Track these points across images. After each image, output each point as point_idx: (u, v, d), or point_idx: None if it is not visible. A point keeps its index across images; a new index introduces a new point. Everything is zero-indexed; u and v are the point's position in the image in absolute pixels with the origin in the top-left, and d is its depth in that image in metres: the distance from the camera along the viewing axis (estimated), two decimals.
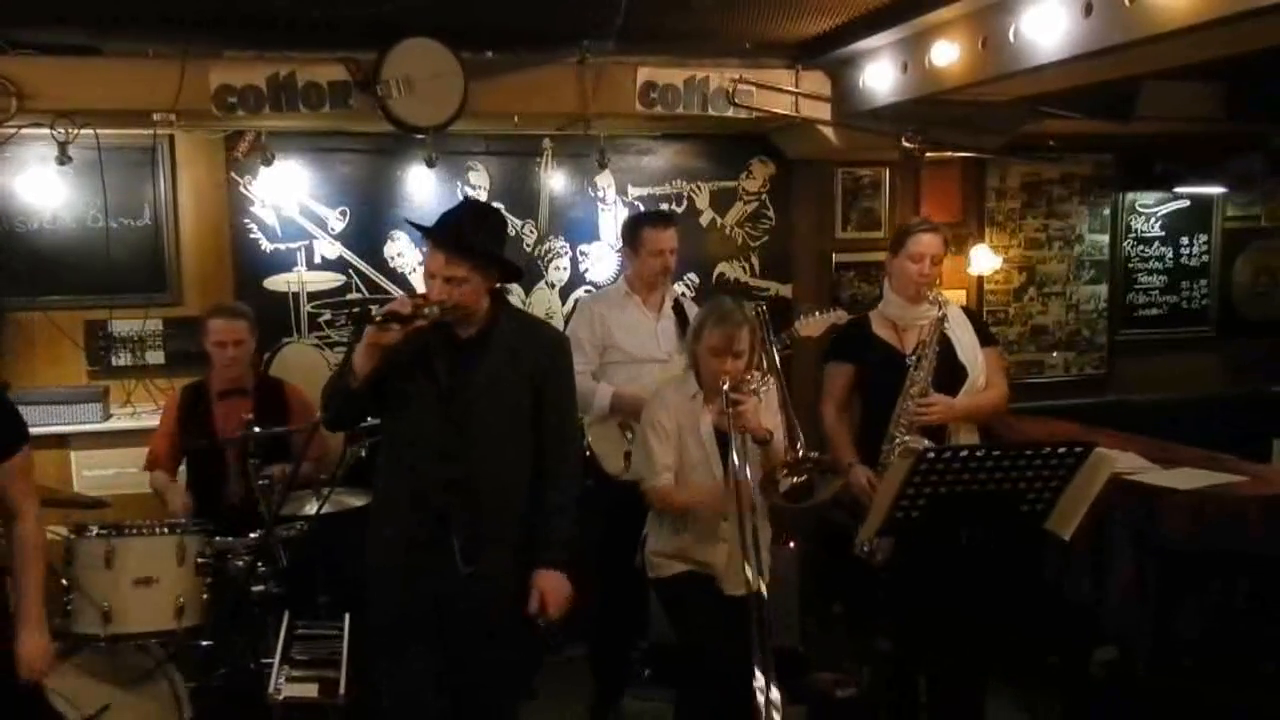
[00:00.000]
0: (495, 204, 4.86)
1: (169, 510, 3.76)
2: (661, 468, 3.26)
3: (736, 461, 3.00)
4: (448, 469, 2.85)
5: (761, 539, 3.22)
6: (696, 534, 3.27)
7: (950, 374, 3.51)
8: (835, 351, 3.79)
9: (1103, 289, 5.85)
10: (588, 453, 4.16)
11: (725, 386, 3.08)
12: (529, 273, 4.94)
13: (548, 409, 2.97)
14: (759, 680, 2.69)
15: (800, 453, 3.20)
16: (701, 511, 3.24)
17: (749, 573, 2.86)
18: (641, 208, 4.91)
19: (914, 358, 3.48)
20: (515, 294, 4.94)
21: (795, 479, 3.15)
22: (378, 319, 2.72)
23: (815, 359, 4.05)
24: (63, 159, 4.08)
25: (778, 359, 3.59)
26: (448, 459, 2.85)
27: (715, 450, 3.23)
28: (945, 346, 3.53)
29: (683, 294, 4.56)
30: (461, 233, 2.85)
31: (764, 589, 2.85)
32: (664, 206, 4.97)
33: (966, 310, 3.77)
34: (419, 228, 3.07)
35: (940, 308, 3.49)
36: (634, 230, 4.13)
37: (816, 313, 4.32)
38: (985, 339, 3.66)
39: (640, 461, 3.41)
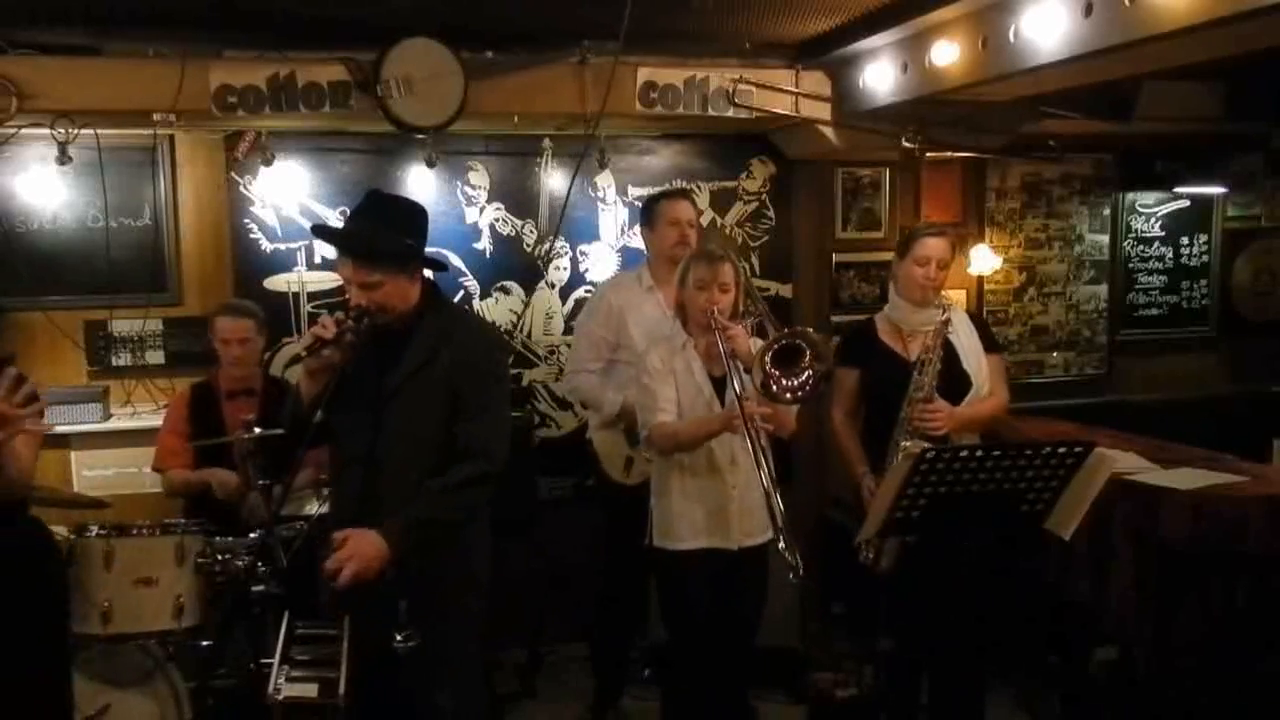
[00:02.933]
0: (496, 204, 4.89)
1: (226, 490, 3.71)
2: (663, 402, 3.21)
3: (737, 388, 3.03)
4: (366, 478, 2.76)
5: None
6: (703, 481, 3.25)
7: (954, 382, 3.49)
8: (842, 356, 3.76)
9: (1103, 289, 5.85)
10: (589, 452, 4.18)
11: (714, 313, 3.10)
12: (530, 273, 4.96)
13: (464, 416, 2.78)
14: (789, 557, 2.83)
15: (785, 332, 3.11)
16: (702, 455, 3.22)
17: (774, 505, 2.93)
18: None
19: (918, 363, 3.47)
20: (516, 294, 4.95)
21: (793, 377, 3.02)
22: (303, 353, 2.67)
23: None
24: (63, 159, 4.08)
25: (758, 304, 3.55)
26: (369, 466, 2.75)
27: (711, 391, 3.23)
28: (949, 354, 3.51)
29: None
30: (367, 237, 2.76)
31: (781, 520, 2.93)
32: None
33: (972, 316, 3.75)
34: (325, 236, 3.00)
35: (944, 311, 3.47)
36: (650, 206, 4.07)
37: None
38: (989, 345, 3.65)
39: (640, 407, 3.33)
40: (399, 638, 2.67)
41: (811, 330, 3.16)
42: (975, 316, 3.81)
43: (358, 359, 2.76)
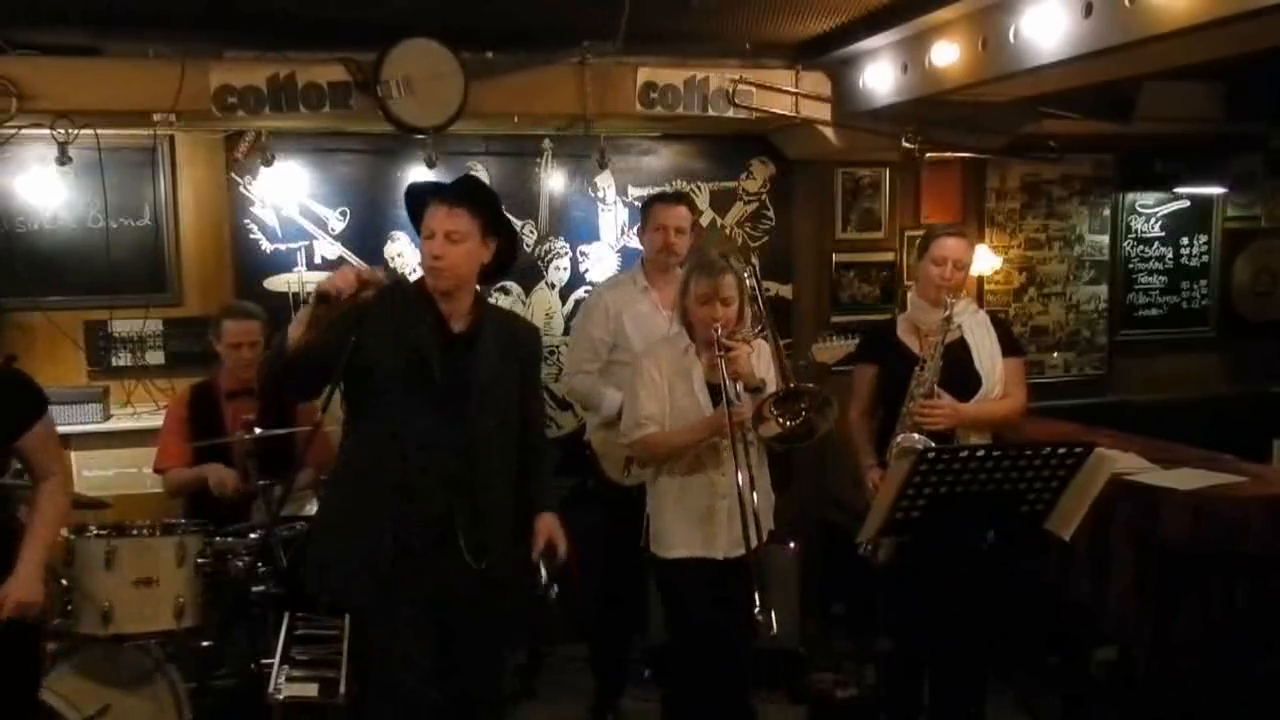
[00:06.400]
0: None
1: (223, 488, 3.71)
2: (644, 418, 3.25)
3: (730, 399, 3.06)
4: (445, 466, 2.83)
5: (760, 485, 3.22)
6: (692, 490, 3.26)
7: (965, 381, 3.48)
8: (861, 353, 3.81)
9: (1103, 289, 5.85)
10: (588, 452, 4.18)
11: (717, 333, 3.10)
12: (530, 273, 4.96)
13: (529, 396, 3.09)
14: (761, 618, 2.85)
15: (791, 385, 3.15)
16: (692, 463, 3.24)
17: (750, 532, 3.00)
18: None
19: (920, 360, 3.47)
20: (515, 294, 4.95)
21: (789, 419, 3.11)
22: (313, 299, 2.64)
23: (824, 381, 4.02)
24: (63, 159, 4.08)
25: (766, 313, 3.56)
26: (445, 456, 2.83)
27: (708, 402, 3.23)
28: (963, 352, 3.51)
29: None
30: (465, 186, 2.95)
31: (759, 545, 3.02)
32: None
33: (995, 318, 3.73)
34: (424, 188, 3.10)
35: (947, 308, 3.46)
36: (645, 208, 4.10)
37: (833, 337, 4.34)
38: (1009, 348, 3.63)
39: (625, 412, 3.39)
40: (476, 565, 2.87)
41: (822, 390, 3.16)
42: (999, 319, 3.79)
43: (417, 353, 2.81)
